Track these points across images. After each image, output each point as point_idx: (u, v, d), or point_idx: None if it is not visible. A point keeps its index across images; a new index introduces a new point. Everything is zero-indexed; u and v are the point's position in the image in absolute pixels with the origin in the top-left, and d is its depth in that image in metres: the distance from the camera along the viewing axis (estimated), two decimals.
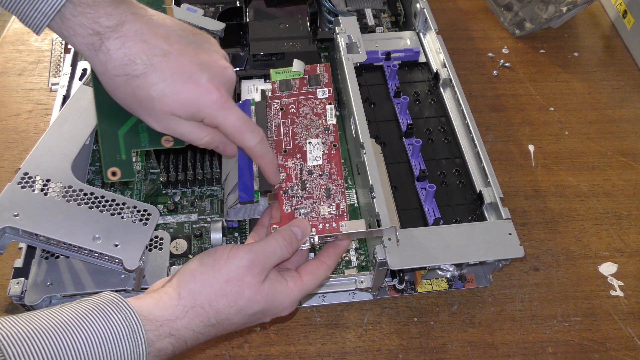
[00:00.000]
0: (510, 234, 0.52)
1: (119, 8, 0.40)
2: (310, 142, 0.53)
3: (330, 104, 0.55)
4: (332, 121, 0.54)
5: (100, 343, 0.36)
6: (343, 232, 0.48)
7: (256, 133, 0.46)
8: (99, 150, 0.46)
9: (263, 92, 0.56)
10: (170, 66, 0.42)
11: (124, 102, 0.43)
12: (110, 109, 0.45)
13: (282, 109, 0.55)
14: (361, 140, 0.56)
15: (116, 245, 0.48)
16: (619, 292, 0.58)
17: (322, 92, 0.55)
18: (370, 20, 0.76)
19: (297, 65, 0.57)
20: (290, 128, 0.54)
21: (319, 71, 0.57)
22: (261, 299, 0.42)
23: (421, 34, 0.73)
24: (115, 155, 0.46)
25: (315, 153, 0.52)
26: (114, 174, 0.46)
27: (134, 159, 0.47)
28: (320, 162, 0.52)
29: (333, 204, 0.50)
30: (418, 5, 0.72)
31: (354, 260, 0.58)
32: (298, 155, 0.52)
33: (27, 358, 0.33)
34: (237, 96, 0.64)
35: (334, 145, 0.53)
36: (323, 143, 0.53)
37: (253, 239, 0.48)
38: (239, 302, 0.41)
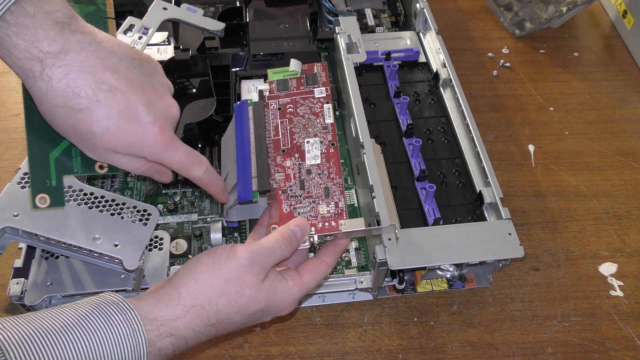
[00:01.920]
0: (510, 234, 0.52)
1: (64, 34, 0.38)
2: (308, 142, 0.53)
3: (327, 102, 0.55)
4: (330, 120, 0.54)
5: (101, 343, 0.36)
6: (342, 231, 0.48)
7: (200, 164, 0.46)
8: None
9: (261, 92, 0.56)
10: (116, 104, 0.39)
11: (61, 131, 0.41)
12: (42, 130, 0.42)
13: (279, 109, 0.55)
14: (361, 140, 0.56)
15: (116, 245, 0.48)
16: (619, 292, 0.58)
17: (320, 91, 0.55)
18: (370, 20, 0.76)
19: (294, 65, 0.57)
20: (288, 128, 0.54)
21: (316, 70, 0.57)
22: (261, 298, 0.42)
23: (421, 34, 0.73)
24: (45, 181, 0.43)
25: (313, 152, 0.52)
26: (42, 200, 0.42)
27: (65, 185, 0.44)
28: (318, 161, 0.52)
29: (332, 203, 0.50)
30: (418, 5, 0.72)
31: (353, 260, 0.58)
32: (296, 155, 0.52)
33: (28, 358, 0.33)
34: (237, 96, 0.64)
35: (332, 144, 0.53)
36: (321, 142, 0.53)
37: (253, 239, 0.48)
38: (239, 302, 0.41)
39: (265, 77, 0.66)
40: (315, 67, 0.57)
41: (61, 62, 0.38)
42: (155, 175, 0.47)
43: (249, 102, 0.55)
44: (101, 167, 0.44)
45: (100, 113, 0.39)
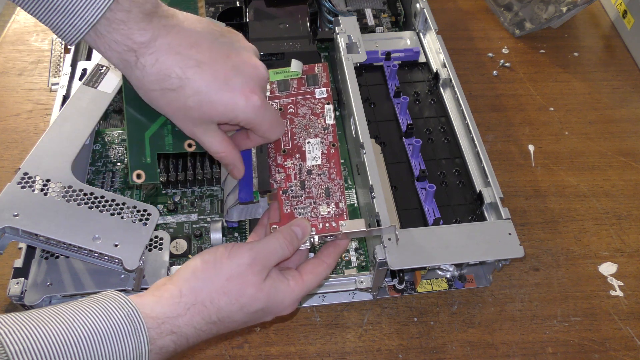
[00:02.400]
0: (510, 234, 0.52)
1: (152, 22, 0.40)
2: (309, 142, 0.53)
3: (328, 103, 0.55)
4: (330, 121, 0.54)
5: (102, 341, 0.36)
6: (343, 232, 0.48)
7: (283, 128, 0.50)
8: (125, 152, 0.48)
9: None
10: (204, 76, 0.42)
11: (161, 110, 0.44)
12: (138, 111, 0.47)
13: (280, 109, 0.55)
14: (361, 140, 0.56)
15: (116, 245, 0.48)
16: (618, 292, 0.58)
17: (321, 92, 0.55)
18: (370, 20, 0.76)
19: (295, 65, 0.56)
20: (289, 128, 0.54)
21: (317, 71, 0.57)
22: (262, 297, 0.42)
23: (421, 34, 0.73)
24: (141, 158, 0.48)
25: (314, 153, 0.52)
26: (139, 176, 0.47)
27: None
28: (319, 162, 0.52)
29: (332, 204, 0.50)
30: (418, 5, 0.72)
31: (353, 260, 0.58)
32: (297, 155, 0.52)
33: (29, 354, 0.33)
34: None
35: (333, 145, 0.53)
36: (322, 143, 0.53)
37: (253, 239, 0.48)
38: (240, 300, 0.41)
39: None
40: (316, 68, 0.57)
41: (151, 49, 0.41)
42: (229, 167, 0.49)
43: None
44: (189, 145, 0.48)
45: (191, 89, 0.42)
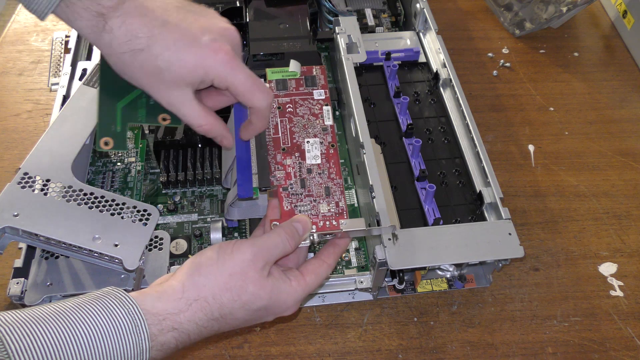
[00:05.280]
0: (510, 234, 0.52)
1: None
2: (308, 142, 0.53)
3: (327, 105, 0.55)
4: (329, 122, 0.54)
5: (102, 337, 0.36)
6: (343, 230, 0.48)
7: (267, 93, 0.46)
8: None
9: None
10: (171, 34, 0.42)
11: (134, 79, 0.44)
12: (112, 83, 0.47)
13: (279, 108, 0.55)
14: (361, 140, 0.56)
15: (116, 245, 0.48)
16: (618, 292, 0.58)
17: (319, 93, 0.56)
18: (370, 20, 0.76)
19: (294, 66, 0.57)
20: (288, 127, 0.54)
21: (314, 73, 0.57)
22: (265, 294, 0.42)
23: (421, 34, 0.73)
24: (110, 126, 0.47)
25: (313, 152, 0.52)
26: (106, 143, 0.47)
27: (129, 137, 0.49)
28: (319, 161, 0.52)
29: (333, 202, 0.50)
30: (418, 5, 0.72)
31: (353, 260, 0.58)
32: (297, 154, 0.52)
33: (29, 352, 0.33)
34: None
35: (332, 146, 0.53)
36: (321, 143, 0.53)
37: (256, 235, 0.48)
38: (242, 297, 0.41)
39: (265, 77, 0.66)
40: (314, 70, 0.57)
41: (119, 11, 0.41)
42: (217, 138, 0.48)
43: None
44: (164, 119, 0.48)
45: (159, 47, 0.42)
